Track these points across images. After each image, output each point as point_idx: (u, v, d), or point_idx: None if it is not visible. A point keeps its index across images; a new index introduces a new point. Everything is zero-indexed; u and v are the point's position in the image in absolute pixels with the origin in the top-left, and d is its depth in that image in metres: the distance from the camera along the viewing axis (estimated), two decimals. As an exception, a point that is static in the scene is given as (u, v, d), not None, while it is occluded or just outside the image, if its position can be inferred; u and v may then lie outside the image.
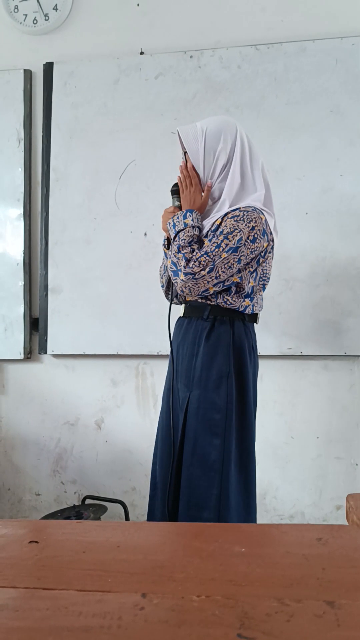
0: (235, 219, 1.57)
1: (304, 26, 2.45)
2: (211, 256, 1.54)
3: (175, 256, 1.61)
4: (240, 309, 1.65)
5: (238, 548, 0.62)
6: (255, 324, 1.76)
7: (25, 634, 0.46)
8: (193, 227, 1.62)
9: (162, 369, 2.37)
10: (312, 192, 2.41)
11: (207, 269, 1.54)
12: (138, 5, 2.60)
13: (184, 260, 1.57)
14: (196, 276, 1.55)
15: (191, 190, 1.67)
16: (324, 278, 2.39)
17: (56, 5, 2.65)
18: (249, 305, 1.67)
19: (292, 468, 2.50)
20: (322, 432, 2.48)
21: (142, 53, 2.58)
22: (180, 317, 1.78)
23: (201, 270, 1.54)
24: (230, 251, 1.54)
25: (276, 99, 2.44)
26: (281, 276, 2.41)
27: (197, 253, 1.56)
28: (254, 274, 1.66)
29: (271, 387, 2.50)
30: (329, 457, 2.48)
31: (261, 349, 2.40)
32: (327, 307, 2.39)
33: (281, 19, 2.47)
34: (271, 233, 1.65)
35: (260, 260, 1.66)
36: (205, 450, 1.58)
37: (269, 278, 1.73)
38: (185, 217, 1.64)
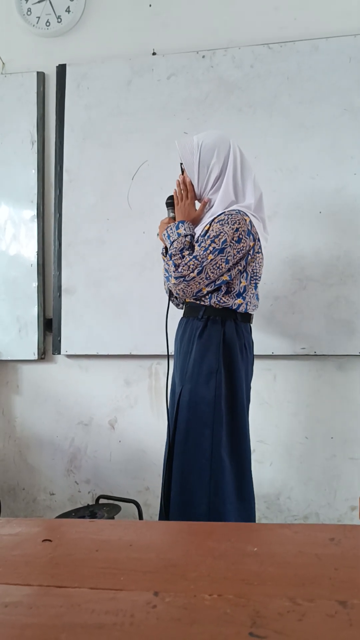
0: (220, 222, 1.70)
1: (317, 24, 2.43)
2: (199, 259, 1.68)
3: (167, 263, 1.76)
4: (234, 307, 1.76)
5: (250, 547, 0.62)
6: (250, 324, 1.86)
7: (39, 631, 0.46)
8: (185, 235, 1.76)
9: (175, 369, 2.37)
10: (326, 191, 2.39)
11: (197, 271, 1.68)
12: (150, 6, 2.61)
13: (173, 266, 1.71)
14: (187, 278, 1.69)
15: (186, 203, 1.82)
16: (337, 277, 2.38)
17: (69, 7, 2.67)
18: (242, 303, 1.77)
19: (306, 468, 2.49)
20: (336, 432, 2.46)
21: (154, 54, 2.59)
22: (181, 317, 1.91)
23: (190, 272, 1.68)
24: (217, 253, 1.67)
25: (289, 98, 2.43)
26: (295, 276, 2.40)
27: (186, 258, 1.70)
28: (244, 274, 1.77)
29: (285, 386, 2.49)
30: (343, 457, 2.46)
31: (275, 349, 2.41)
32: (341, 306, 2.37)
33: (294, 17, 2.46)
34: (257, 233, 1.76)
35: (249, 259, 1.77)
36: (197, 440, 1.70)
37: (260, 277, 1.84)
38: (177, 227, 1.79)
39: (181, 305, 1.96)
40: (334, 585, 0.53)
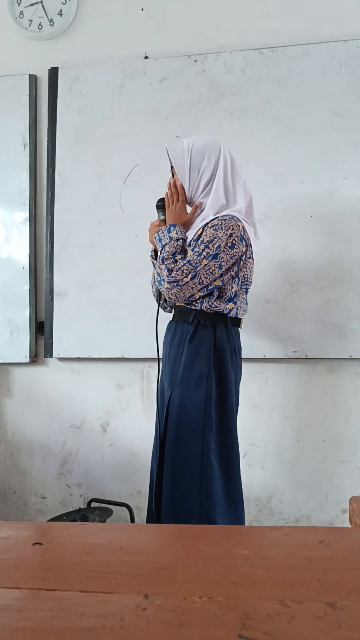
0: (214, 227, 1.70)
1: (308, 29, 2.45)
2: (193, 264, 1.67)
3: (159, 267, 1.74)
4: (225, 312, 1.76)
5: (240, 550, 0.62)
6: (239, 329, 1.87)
7: (28, 634, 0.46)
8: (177, 239, 1.75)
9: (167, 372, 2.37)
10: (317, 195, 2.41)
11: (190, 276, 1.67)
12: (142, 9, 2.61)
13: (166, 271, 1.70)
14: (180, 283, 1.68)
15: (177, 206, 1.82)
16: (329, 281, 2.39)
17: (61, 10, 2.67)
18: (232, 308, 1.78)
19: (298, 471, 2.50)
20: (327, 435, 2.47)
21: (146, 57, 2.59)
22: (170, 321, 1.90)
23: (184, 277, 1.67)
24: (211, 258, 1.67)
25: (280, 103, 2.44)
26: (286, 279, 2.41)
27: (179, 262, 1.69)
28: (236, 279, 1.78)
29: (276, 390, 2.50)
30: (334, 460, 2.47)
31: (266, 352, 2.42)
32: (332, 310, 2.39)
33: (285, 22, 2.48)
34: (249, 239, 1.76)
35: (241, 265, 1.77)
36: (187, 445, 1.70)
37: (250, 282, 1.85)
38: (169, 231, 1.78)
39: (169, 309, 1.95)
40: (323, 587, 0.53)
